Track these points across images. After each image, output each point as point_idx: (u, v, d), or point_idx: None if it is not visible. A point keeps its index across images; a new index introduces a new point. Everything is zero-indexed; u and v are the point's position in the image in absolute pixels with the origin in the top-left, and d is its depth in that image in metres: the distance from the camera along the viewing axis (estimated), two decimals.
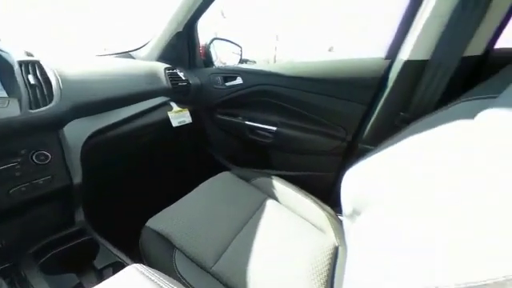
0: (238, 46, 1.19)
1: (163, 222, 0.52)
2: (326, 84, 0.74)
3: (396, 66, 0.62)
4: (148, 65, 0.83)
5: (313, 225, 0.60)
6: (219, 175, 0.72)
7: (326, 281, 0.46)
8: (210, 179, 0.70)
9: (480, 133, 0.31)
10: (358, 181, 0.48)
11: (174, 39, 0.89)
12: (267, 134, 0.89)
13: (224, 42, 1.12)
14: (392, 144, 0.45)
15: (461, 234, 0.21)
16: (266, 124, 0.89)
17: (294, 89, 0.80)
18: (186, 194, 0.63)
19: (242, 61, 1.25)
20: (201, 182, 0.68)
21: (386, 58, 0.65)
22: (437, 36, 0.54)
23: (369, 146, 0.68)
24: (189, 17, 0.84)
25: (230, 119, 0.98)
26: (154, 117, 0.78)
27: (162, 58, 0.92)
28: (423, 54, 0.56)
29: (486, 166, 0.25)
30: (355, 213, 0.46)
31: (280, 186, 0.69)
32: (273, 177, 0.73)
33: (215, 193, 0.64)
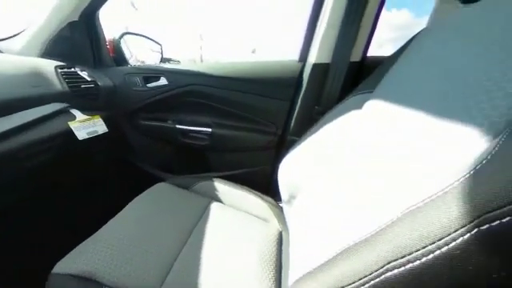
0: (157, 43, 1.09)
1: (81, 259, 0.41)
2: (252, 83, 0.79)
3: (307, 68, 0.74)
4: (29, 61, 0.63)
5: (257, 217, 0.63)
6: (153, 188, 0.65)
7: (275, 267, 0.50)
8: (142, 194, 0.62)
9: (366, 118, 0.41)
10: (290, 169, 0.55)
11: (66, 30, 0.72)
12: (202, 136, 0.87)
13: (138, 37, 1.00)
14: (312, 133, 0.54)
15: (372, 183, 0.28)
16: (200, 126, 0.86)
17: (225, 89, 0.81)
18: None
19: (163, 60, 1.15)
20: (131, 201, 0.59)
21: (299, 60, 0.77)
22: (333, 43, 0.67)
23: (295, 138, 0.78)
24: (86, 4, 0.69)
25: (158, 124, 0.88)
26: (49, 130, 0.60)
27: (48, 53, 0.72)
28: (326, 58, 0.69)
29: (375, 142, 0.34)
30: (291, 197, 0.52)
31: (222, 187, 0.69)
32: (214, 179, 0.71)
33: (150, 208, 0.57)
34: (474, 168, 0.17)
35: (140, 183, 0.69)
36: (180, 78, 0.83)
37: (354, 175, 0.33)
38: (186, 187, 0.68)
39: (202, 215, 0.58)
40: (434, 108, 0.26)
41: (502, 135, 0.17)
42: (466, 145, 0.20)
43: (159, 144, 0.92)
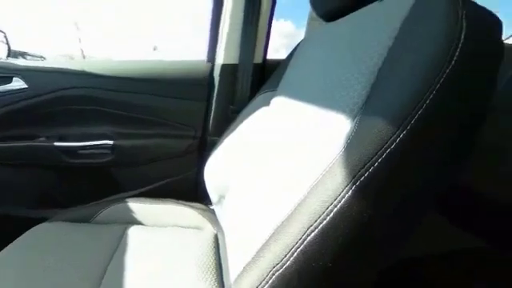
0: None
1: None
2: (158, 84, 0.72)
3: (216, 68, 0.75)
4: None
5: (188, 227, 0.59)
6: (29, 233, 0.47)
7: (216, 271, 0.49)
8: (8, 247, 0.43)
9: (274, 113, 0.48)
10: (215, 169, 0.55)
11: None
12: (102, 151, 0.70)
13: None
14: (230, 132, 0.56)
15: (288, 177, 0.33)
16: (96, 139, 0.69)
17: (126, 92, 0.69)
18: None
19: (13, 53, 0.82)
20: None
21: (208, 61, 0.77)
22: (238, 45, 0.71)
23: (216, 138, 0.78)
24: None
25: (22, 145, 0.64)
26: None
27: None
28: (232, 59, 0.73)
29: (282, 132, 0.40)
30: (221, 198, 0.53)
31: (139, 207, 0.60)
32: (126, 200, 0.60)
33: (27, 262, 0.41)
34: (346, 142, 0.24)
35: (10, 235, 0.47)
36: (52, 78, 0.63)
37: (270, 164, 0.37)
38: (85, 220, 0.54)
39: (118, 247, 0.48)
40: (317, 100, 0.34)
41: (357, 118, 0.25)
42: (339, 125, 0.27)
43: (30, 172, 0.67)
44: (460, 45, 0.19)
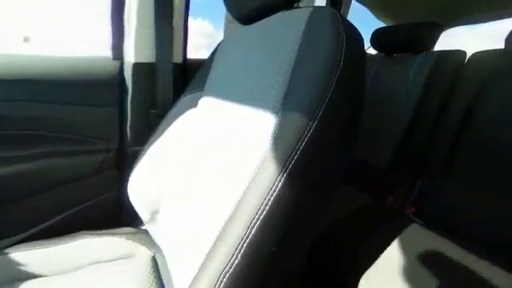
0: None
1: None
2: (52, 87, 0.55)
3: (127, 67, 0.64)
4: None
5: (115, 260, 0.49)
6: None
7: None
8: None
9: (202, 114, 0.46)
10: (142, 183, 0.48)
11: None
12: None
13: None
14: (156, 139, 0.50)
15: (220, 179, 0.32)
16: None
17: None
18: None
19: None
20: None
21: (114, 58, 0.64)
22: (152, 43, 0.64)
23: (137, 148, 0.68)
24: None
25: None
26: None
27: None
28: (147, 58, 0.64)
29: (212, 133, 0.39)
30: (154, 214, 0.47)
31: (36, 254, 0.45)
32: (15, 247, 0.44)
33: None
34: (273, 137, 0.26)
35: None
36: None
37: (204, 167, 0.36)
38: None
39: None
40: (241, 100, 0.36)
41: (279, 114, 0.28)
42: (264, 123, 0.29)
43: None
44: (343, 55, 0.26)
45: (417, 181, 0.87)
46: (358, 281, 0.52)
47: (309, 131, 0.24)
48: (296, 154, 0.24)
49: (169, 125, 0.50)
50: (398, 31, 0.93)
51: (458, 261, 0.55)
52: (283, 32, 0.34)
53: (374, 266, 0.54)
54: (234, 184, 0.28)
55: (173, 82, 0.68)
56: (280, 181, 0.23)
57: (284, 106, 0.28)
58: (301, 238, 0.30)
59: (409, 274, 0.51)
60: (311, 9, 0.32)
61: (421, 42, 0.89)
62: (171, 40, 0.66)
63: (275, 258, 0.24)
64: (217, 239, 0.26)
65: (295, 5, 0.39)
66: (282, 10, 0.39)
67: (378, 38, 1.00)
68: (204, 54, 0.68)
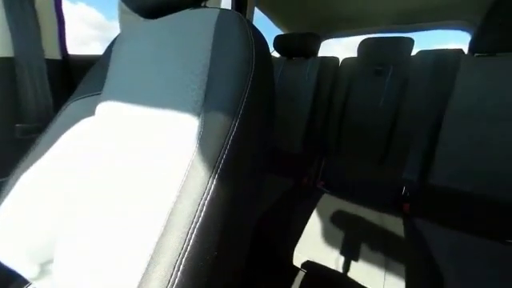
0: None
1: None
2: None
3: None
4: None
5: None
6: None
7: None
8: None
9: (104, 122, 0.37)
10: (24, 227, 0.34)
11: None
12: None
13: None
14: (29, 164, 0.36)
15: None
16: None
17: None
18: None
19: None
20: None
21: None
22: (3, 30, 0.45)
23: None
24: None
25: None
26: None
27: None
28: (2, 51, 0.45)
29: (124, 142, 0.33)
30: (47, 264, 0.34)
31: None
32: None
33: None
34: (198, 139, 0.25)
35: None
36: None
37: (117, 187, 0.30)
38: None
39: None
40: (157, 102, 0.32)
41: (201, 115, 0.27)
42: (186, 125, 0.28)
43: None
44: (253, 56, 0.28)
45: (321, 161, 1.12)
46: (292, 254, 0.60)
47: (233, 129, 0.25)
48: (224, 152, 0.24)
49: (53, 141, 0.38)
50: (293, 38, 1.11)
51: (353, 213, 0.79)
52: (195, 31, 0.33)
53: (303, 236, 0.66)
54: (160, 197, 0.25)
55: (51, 84, 0.51)
56: (212, 182, 0.23)
57: (206, 107, 0.27)
58: (242, 233, 0.30)
59: (326, 233, 0.67)
60: (218, 10, 0.33)
61: (309, 49, 1.11)
62: (36, 28, 0.49)
63: (219, 261, 0.24)
64: (150, 261, 0.22)
65: (202, 4, 0.38)
66: (188, 8, 0.38)
67: (279, 43, 1.16)
68: (96, 48, 0.55)
